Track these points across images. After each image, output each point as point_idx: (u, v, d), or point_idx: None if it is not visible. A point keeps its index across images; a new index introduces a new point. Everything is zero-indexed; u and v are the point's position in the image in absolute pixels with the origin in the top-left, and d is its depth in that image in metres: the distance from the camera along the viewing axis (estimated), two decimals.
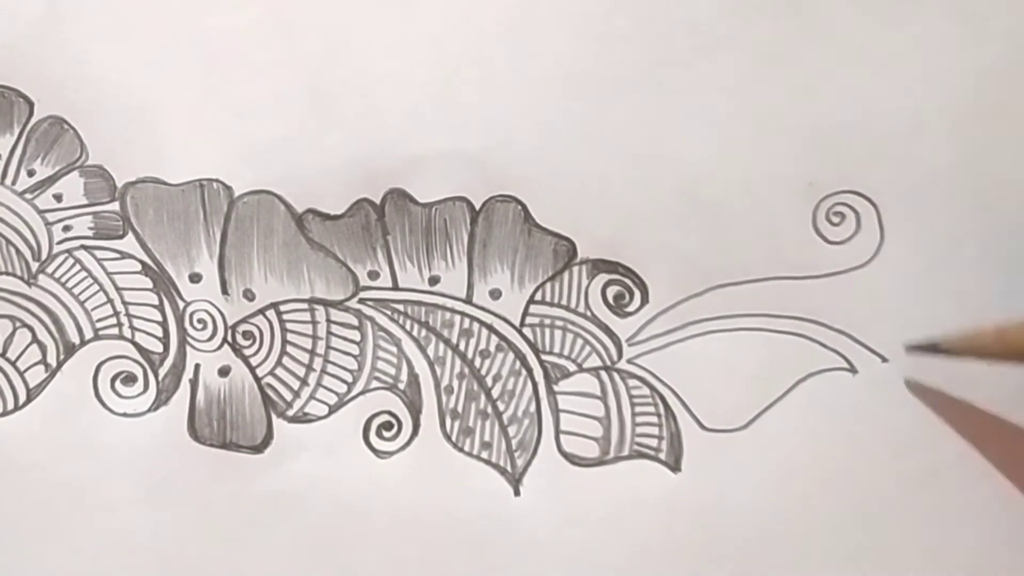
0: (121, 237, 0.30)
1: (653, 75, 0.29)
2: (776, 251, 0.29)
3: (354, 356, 0.30)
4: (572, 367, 0.30)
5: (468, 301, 0.30)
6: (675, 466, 0.29)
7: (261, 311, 0.30)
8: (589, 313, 0.30)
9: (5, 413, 0.30)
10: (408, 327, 0.30)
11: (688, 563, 0.29)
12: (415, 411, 0.30)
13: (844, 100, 0.29)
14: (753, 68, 0.29)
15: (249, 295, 0.30)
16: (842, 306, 0.29)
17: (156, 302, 0.30)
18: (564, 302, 0.30)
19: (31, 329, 0.30)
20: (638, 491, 0.29)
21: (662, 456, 0.29)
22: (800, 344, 0.29)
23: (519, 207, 0.29)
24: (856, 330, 0.29)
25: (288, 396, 0.30)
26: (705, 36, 0.29)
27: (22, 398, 0.30)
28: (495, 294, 0.30)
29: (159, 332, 0.30)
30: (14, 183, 0.30)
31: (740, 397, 0.29)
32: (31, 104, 0.30)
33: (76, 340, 0.30)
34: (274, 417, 0.30)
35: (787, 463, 0.29)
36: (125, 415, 0.30)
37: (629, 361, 0.30)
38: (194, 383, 0.30)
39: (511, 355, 0.30)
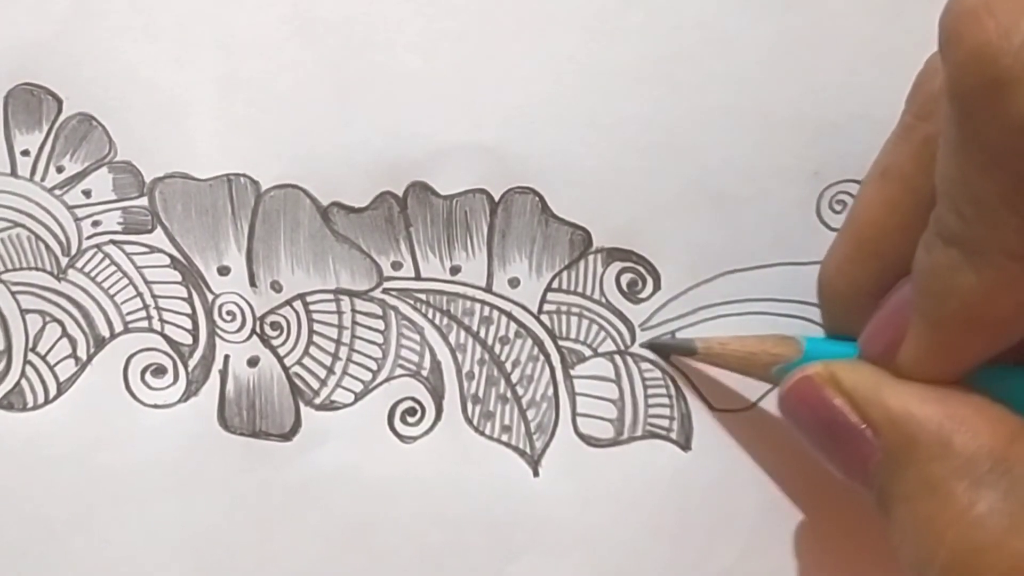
0: (150, 232, 0.30)
1: (664, 69, 0.30)
2: (781, 238, 0.30)
3: (378, 344, 0.30)
4: (588, 352, 0.31)
5: (488, 290, 0.30)
6: (686, 445, 0.30)
7: (288, 302, 0.30)
8: (604, 300, 0.30)
9: (36, 407, 0.30)
10: (430, 316, 0.30)
11: (699, 538, 0.30)
12: (438, 397, 0.30)
13: (848, 93, 0.30)
14: (760, 62, 0.30)
15: (276, 287, 0.30)
16: None
17: (185, 295, 0.30)
18: (580, 290, 0.30)
19: (61, 323, 0.30)
20: (651, 470, 0.30)
21: (673, 436, 0.30)
22: (804, 327, 0.30)
23: (536, 198, 0.30)
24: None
25: (315, 385, 0.30)
26: (714, 31, 0.30)
27: (52, 392, 0.30)
28: (514, 283, 0.30)
29: (188, 324, 0.30)
30: (43, 179, 0.30)
31: (746, 378, 0.30)
32: (60, 101, 0.30)
33: (106, 333, 0.30)
34: (302, 405, 0.30)
35: (791, 441, 0.29)
36: (155, 406, 0.30)
37: (642, 345, 0.31)
38: (224, 374, 0.30)
39: (529, 341, 0.31)
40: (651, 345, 0.30)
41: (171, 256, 0.30)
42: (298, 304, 0.30)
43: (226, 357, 0.30)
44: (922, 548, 0.23)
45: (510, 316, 0.30)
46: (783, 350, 0.28)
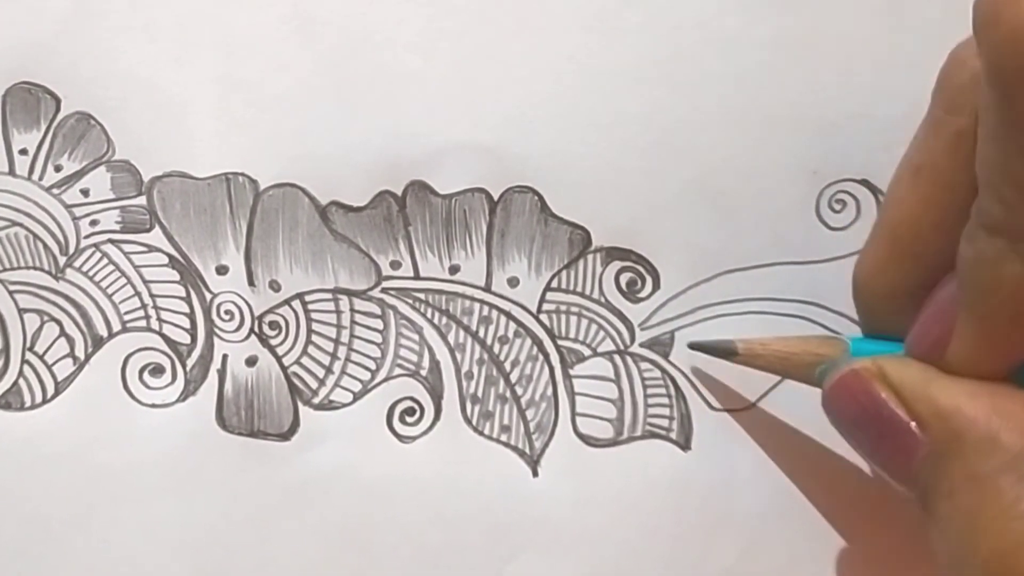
0: (148, 231, 0.30)
1: (664, 69, 0.30)
2: (781, 237, 0.30)
3: (377, 344, 0.30)
4: (587, 352, 0.31)
5: (487, 289, 0.30)
6: (685, 445, 0.30)
7: (287, 302, 0.30)
8: (603, 299, 0.30)
9: (34, 406, 0.30)
10: (429, 315, 0.30)
11: (699, 538, 0.30)
12: (437, 397, 0.30)
13: (847, 92, 0.30)
14: (760, 62, 0.30)
15: (275, 286, 0.30)
16: (842, 289, 0.30)
17: (183, 294, 0.30)
18: (579, 289, 0.30)
19: (59, 323, 0.30)
20: (650, 470, 0.30)
21: (673, 436, 0.30)
22: (803, 326, 0.30)
23: (536, 198, 0.30)
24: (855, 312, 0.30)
25: (314, 384, 0.30)
26: (713, 31, 0.30)
27: (50, 391, 0.30)
28: (513, 282, 0.30)
29: (187, 324, 0.30)
30: (41, 178, 0.30)
31: (746, 378, 0.30)
32: (58, 100, 0.30)
33: (104, 333, 0.30)
34: (300, 405, 0.30)
35: (791, 440, 0.30)
36: (153, 406, 0.30)
37: (641, 345, 0.31)
38: (222, 373, 0.30)
39: (528, 341, 0.31)
40: (691, 345, 0.30)
41: (169, 255, 0.30)
42: (296, 303, 0.30)
43: (224, 356, 0.30)
44: (964, 543, 0.23)
45: (509, 316, 0.30)
46: (828, 350, 0.27)
